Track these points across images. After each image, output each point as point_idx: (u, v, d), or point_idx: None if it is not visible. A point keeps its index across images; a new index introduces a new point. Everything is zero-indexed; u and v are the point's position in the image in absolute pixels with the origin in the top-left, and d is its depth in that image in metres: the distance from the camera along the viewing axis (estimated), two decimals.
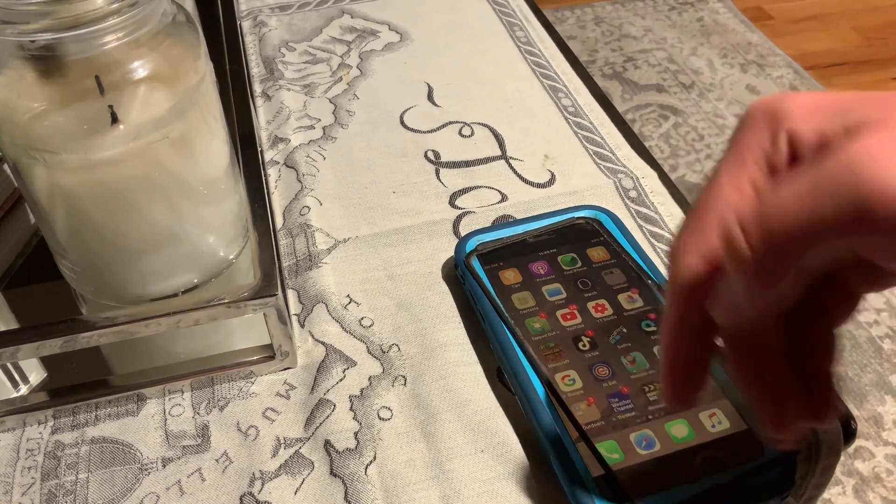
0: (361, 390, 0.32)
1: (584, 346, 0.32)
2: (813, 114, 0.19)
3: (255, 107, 0.48)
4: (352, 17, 0.57)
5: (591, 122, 0.47)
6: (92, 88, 0.30)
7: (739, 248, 0.18)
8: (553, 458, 0.28)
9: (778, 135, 0.20)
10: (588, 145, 0.45)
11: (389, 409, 0.32)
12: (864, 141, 0.17)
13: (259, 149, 0.41)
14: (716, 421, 0.29)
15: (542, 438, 0.29)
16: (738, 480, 0.27)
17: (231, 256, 0.37)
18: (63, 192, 0.32)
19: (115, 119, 0.31)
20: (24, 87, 0.30)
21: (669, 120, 1.37)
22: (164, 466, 0.30)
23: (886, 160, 0.16)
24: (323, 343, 0.34)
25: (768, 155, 0.20)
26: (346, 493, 0.29)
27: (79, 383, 0.33)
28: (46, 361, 0.35)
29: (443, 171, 0.43)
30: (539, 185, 0.42)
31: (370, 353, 0.34)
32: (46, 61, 0.29)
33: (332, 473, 0.30)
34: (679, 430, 0.29)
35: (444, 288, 0.37)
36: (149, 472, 0.30)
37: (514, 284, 0.35)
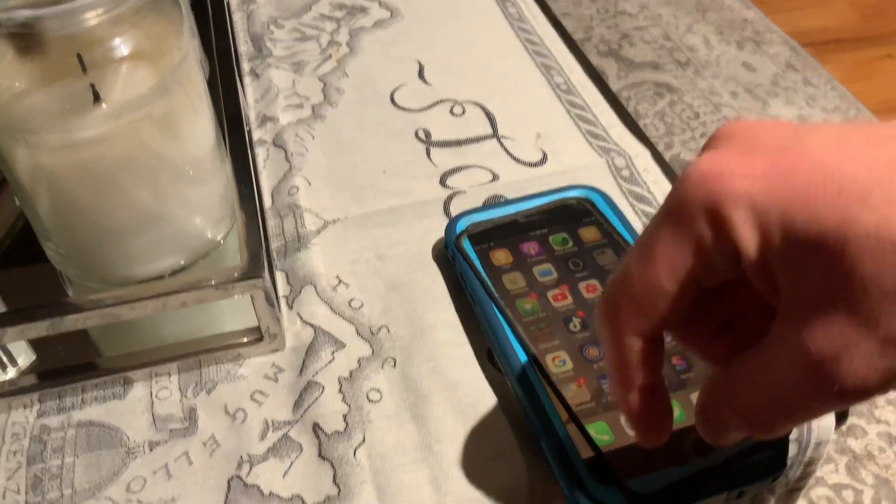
0: (350, 372, 0.32)
1: (575, 326, 0.32)
2: (753, 210, 0.18)
3: (242, 85, 0.47)
4: None
5: (583, 101, 0.46)
6: (73, 67, 0.29)
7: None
8: (543, 440, 0.28)
9: (716, 237, 0.18)
10: (581, 123, 0.44)
11: (379, 391, 0.32)
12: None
13: (247, 128, 0.41)
14: None
15: (532, 420, 0.29)
16: (730, 462, 0.27)
17: (218, 238, 0.36)
18: (45, 172, 0.31)
19: (97, 98, 0.30)
20: (3, 66, 0.29)
21: (665, 98, 1.35)
22: (151, 450, 0.30)
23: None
24: (311, 325, 0.34)
25: (701, 252, 0.19)
26: (334, 475, 0.29)
27: (65, 367, 0.33)
28: (32, 345, 0.34)
29: (434, 150, 0.43)
30: (531, 165, 0.42)
31: (359, 334, 0.34)
32: (26, 39, 0.29)
33: (321, 456, 0.29)
34: None
35: (435, 269, 0.36)
36: (136, 456, 0.30)
37: (504, 265, 0.34)
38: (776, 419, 0.19)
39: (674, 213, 0.19)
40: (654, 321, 0.20)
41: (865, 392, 0.17)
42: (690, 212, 0.19)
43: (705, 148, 0.20)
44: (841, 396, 0.17)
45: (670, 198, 0.19)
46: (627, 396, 0.22)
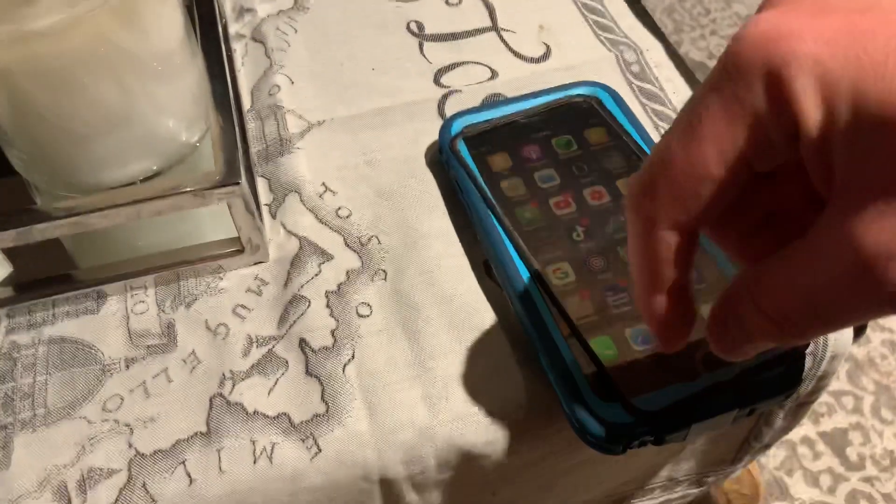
0: (338, 286, 0.30)
1: (579, 236, 0.29)
2: (821, 79, 0.15)
3: None
4: None
5: None
6: None
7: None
8: (542, 356, 0.26)
9: (775, 108, 0.16)
10: (588, 14, 0.41)
11: (369, 305, 0.30)
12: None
13: (221, 20, 0.37)
14: None
15: (532, 335, 0.27)
16: (741, 378, 0.25)
17: (193, 140, 0.33)
18: None
19: None
20: None
21: None
22: (127, 367, 0.28)
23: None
24: (296, 235, 0.32)
25: (757, 127, 0.16)
26: (322, 393, 0.27)
27: (34, 280, 0.31)
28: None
29: (427, 44, 0.39)
30: (533, 60, 0.38)
31: (348, 245, 0.31)
32: None
33: (308, 373, 0.28)
34: None
35: (428, 175, 0.34)
36: (111, 374, 0.28)
37: (503, 170, 0.32)
38: (810, 323, 0.17)
39: (726, 79, 0.16)
40: (695, 212, 0.18)
41: None
42: (747, 77, 0.16)
43: (763, 5, 0.17)
44: (891, 302, 0.15)
45: (722, 61, 0.16)
46: (654, 298, 0.19)
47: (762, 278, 0.18)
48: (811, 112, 0.15)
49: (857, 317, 0.17)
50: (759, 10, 0.17)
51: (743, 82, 0.16)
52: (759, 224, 0.20)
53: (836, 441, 0.78)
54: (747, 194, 0.19)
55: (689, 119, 0.17)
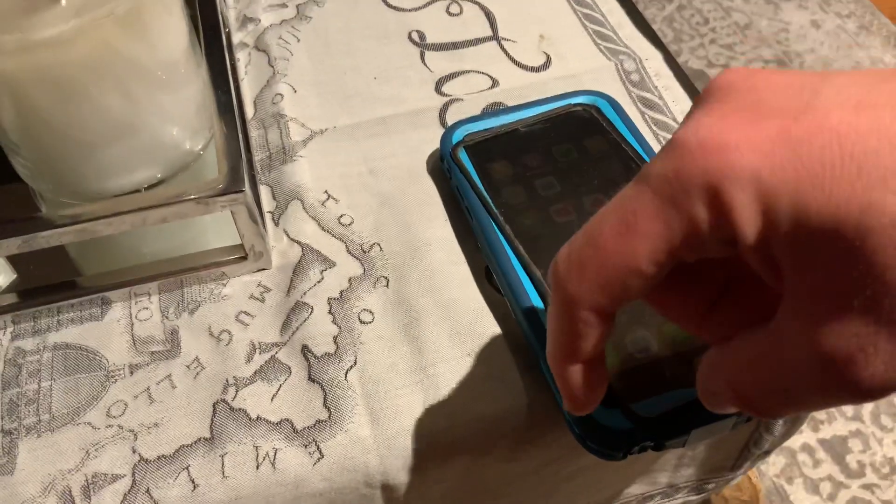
0: (341, 292, 0.30)
1: None
2: (758, 192, 0.15)
3: None
4: None
5: None
6: None
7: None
8: (542, 362, 0.27)
9: (713, 220, 0.16)
10: (588, 24, 0.41)
11: (371, 311, 0.30)
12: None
13: (225, 30, 0.37)
14: None
15: (532, 341, 0.27)
16: None
17: (197, 148, 0.34)
18: (4, 79, 0.28)
19: None
20: None
21: (673, 2, 1.30)
22: (131, 373, 0.28)
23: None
24: (299, 242, 0.32)
25: (692, 234, 0.16)
26: (325, 398, 0.28)
27: (39, 286, 0.31)
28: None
29: (428, 54, 0.40)
30: (533, 69, 0.39)
31: (350, 252, 0.32)
32: None
33: (311, 379, 0.28)
34: (677, 331, 0.27)
35: (430, 183, 0.34)
36: (115, 380, 0.28)
37: (504, 178, 0.32)
38: (776, 407, 0.17)
39: (665, 185, 0.16)
40: (618, 300, 0.18)
41: (884, 392, 0.15)
42: (686, 188, 0.16)
43: (700, 103, 0.17)
44: (855, 396, 0.15)
45: (662, 164, 0.16)
46: (568, 367, 0.20)
47: (730, 358, 0.18)
48: (750, 224, 0.15)
49: (825, 405, 0.17)
50: (694, 107, 0.17)
51: (682, 190, 0.16)
52: (714, 298, 0.21)
53: (836, 448, 0.78)
54: (698, 272, 0.19)
55: (624, 212, 0.17)
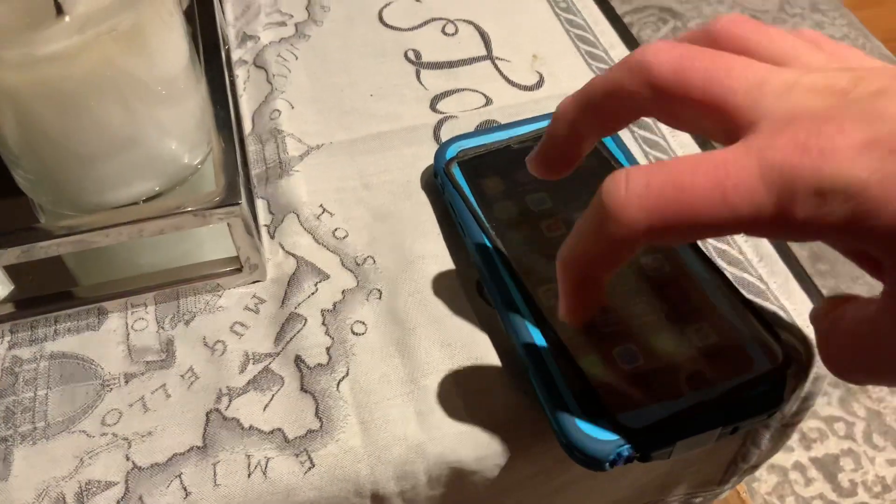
0: (334, 304, 0.31)
1: None
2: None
3: (221, 1, 0.44)
4: None
5: (583, 20, 0.43)
6: None
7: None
8: (532, 374, 0.27)
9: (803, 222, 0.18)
10: (580, 44, 0.42)
11: (363, 323, 0.30)
12: None
13: (225, 47, 0.38)
14: (703, 335, 0.28)
15: (522, 353, 0.28)
16: (725, 397, 0.26)
17: (196, 162, 0.34)
18: (6, 92, 0.29)
19: (59, 10, 0.28)
20: None
21: (668, 24, 1.31)
22: (126, 382, 0.29)
23: None
24: (294, 255, 0.33)
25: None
26: (317, 408, 0.28)
27: (37, 296, 0.31)
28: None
29: (424, 72, 0.40)
30: (526, 88, 0.40)
31: (344, 265, 0.32)
32: None
33: (303, 389, 0.29)
34: (664, 344, 0.27)
35: (423, 198, 0.35)
36: (111, 389, 0.29)
37: (496, 194, 0.33)
38: (859, 377, 0.19)
39: (775, 173, 0.17)
40: (668, 240, 0.20)
41: None
42: (793, 185, 0.17)
43: (824, 96, 0.18)
44: None
45: (777, 151, 0.18)
46: (583, 278, 0.22)
47: (838, 328, 0.21)
48: (843, 231, 0.17)
49: None
50: (817, 102, 0.18)
51: (789, 184, 0.17)
52: None
53: (828, 467, 0.78)
54: None
55: (724, 176, 0.18)
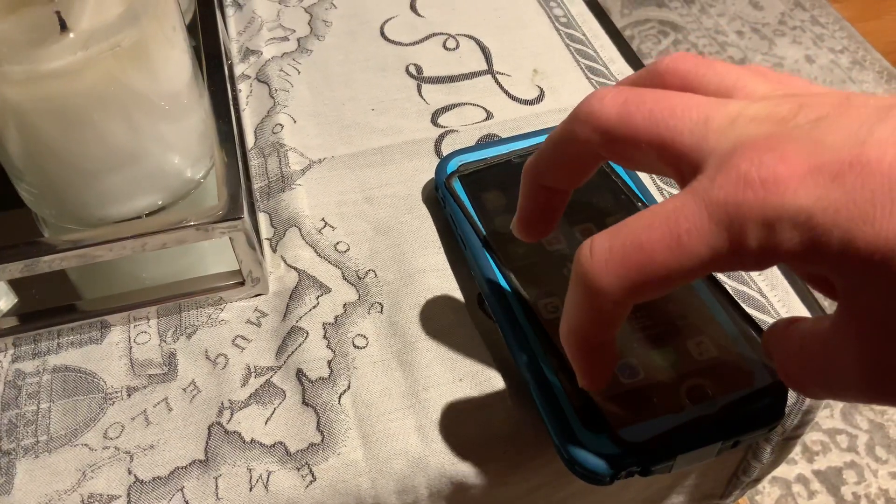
0: (336, 318, 0.31)
1: (569, 272, 0.30)
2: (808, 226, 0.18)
3: (224, 17, 0.45)
4: None
5: (583, 34, 0.44)
6: None
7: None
8: (533, 388, 0.27)
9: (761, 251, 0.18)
10: (580, 59, 0.42)
11: (365, 336, 0.31)
12: None
13: (228, 62, 0.39)
14: (703, 349, 0.28)
15: (522, 367, 0.28)
16: (725, 411, 0.26)
17: (198, 177, 0.34)
18: (11, 107, 0.29)
19: (63, 26, 0.28)
20: None
21: (669, 36, 1.32)
22: (129, 396, 0.29)
23: None
24: (296, 269, 0.33)
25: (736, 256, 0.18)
26: (318, 422, 0.28)
27: (40, 310, 0.31)
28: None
29: (425, 87, 0.41)
30: (527, 102, 0.40)
31: (345, 279, 0.32)
32: None
33: (305, 403, 0.29)
34: (664, 358, 0.27)
35: (425, 211, 0.35)
36: (113, 402, 0.29)
37: (497, 207, 0.33)
38: (814, 391, 0.20)
39: (722, 212, 0.18)
40: (648, 297, 0.19)
41: None
42: (743, 220, 0.17)
43: (763, 123, 0.19)
44: None
45: (721, 191, 0.18)
46: (584, 349, 0.22)
47: (789, 342, 0.21)
48: (798, 257, 0.17)
49: (864, 401, 0.19)
50: (755, 127, 0.19)
51: (739, 220, 0.18)
52: None
53: (831, 479, 0.78)
54: None
55: (676, 226, 0.18)
